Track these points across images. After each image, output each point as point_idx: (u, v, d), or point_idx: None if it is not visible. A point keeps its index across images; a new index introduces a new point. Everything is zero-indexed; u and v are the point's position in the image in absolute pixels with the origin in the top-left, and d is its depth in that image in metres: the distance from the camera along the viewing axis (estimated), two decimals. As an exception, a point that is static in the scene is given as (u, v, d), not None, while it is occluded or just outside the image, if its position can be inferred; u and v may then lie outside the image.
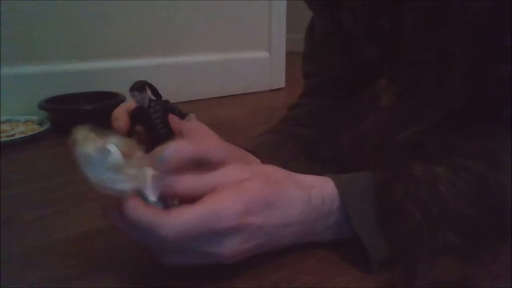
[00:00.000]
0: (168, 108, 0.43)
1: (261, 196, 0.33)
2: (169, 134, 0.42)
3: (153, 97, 0.43)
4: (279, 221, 0.34)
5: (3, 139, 0.79)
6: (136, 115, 0.43)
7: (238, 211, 0.31)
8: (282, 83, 1.49)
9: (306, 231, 0.38)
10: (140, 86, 0.41)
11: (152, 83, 0.43)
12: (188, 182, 0.33)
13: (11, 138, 0.81)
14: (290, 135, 0.56)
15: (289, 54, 1.49)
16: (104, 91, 1.00)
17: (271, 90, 1.46)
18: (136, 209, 0.30)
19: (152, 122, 0.42)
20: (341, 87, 0.58)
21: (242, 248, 0.33)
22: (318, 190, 0.37)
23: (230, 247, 0.33)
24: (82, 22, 1.04)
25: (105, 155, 0.29)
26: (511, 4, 0.36)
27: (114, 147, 0.29)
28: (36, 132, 0.84)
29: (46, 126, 0.87)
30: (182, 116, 0.43)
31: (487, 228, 0.36)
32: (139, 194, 0.31)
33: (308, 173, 0.39)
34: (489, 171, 0.36)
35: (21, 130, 0.85)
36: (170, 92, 0.37)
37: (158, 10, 1.16)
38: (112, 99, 0.95)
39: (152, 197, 0.32)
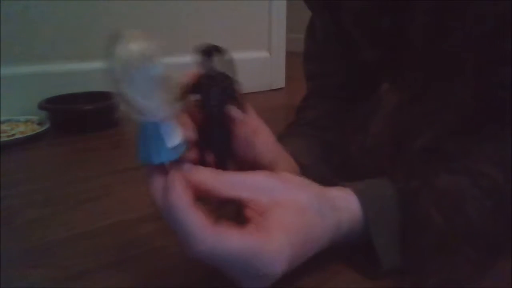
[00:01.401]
0: (228, 94, 0.35)
1: (302, 233, 0.32)
2: (223, 132, 0.36)
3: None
4: (311, 253, 0.34)
5: (3, 139, 0.79)
6: (193, 85, 0.34)
7: (288, 261, 0.30)
8: (282, 83, 1.49)
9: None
10: (207, 50, 0.32)
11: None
12: (209, 175, 0.31)
13: (11, 138, 0.81)
14: (312, 138, 0.55)
15: (289, 54, 1.49)
16: (104, 91, 1.00)
17: (271, 90, 1.46)
18: (181, 208, 0.27)
19: (209, 107, 0.34)
20: (346, 90, 0.58)
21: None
22: (346, 214, 0.36)
23: (260, 284, 0.31)
24: (82, 22, 1.04)
25: (151, 63, 0.26)
26: None
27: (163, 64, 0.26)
28: (36, 132, 0.84)
29: (46, 126, 0.87)
30: (240, 105, 0.36)
31: (503, 241, 0.36)
32: (158, 128, 0.27)
33: (331, 177, 0.39)
34: (507, 181, 0.36)
35: (21, 130, 0.85)
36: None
37: (159, 10, 1.16)
38: (112, 99, 0.95)
39: (171, 142, 0.28)
